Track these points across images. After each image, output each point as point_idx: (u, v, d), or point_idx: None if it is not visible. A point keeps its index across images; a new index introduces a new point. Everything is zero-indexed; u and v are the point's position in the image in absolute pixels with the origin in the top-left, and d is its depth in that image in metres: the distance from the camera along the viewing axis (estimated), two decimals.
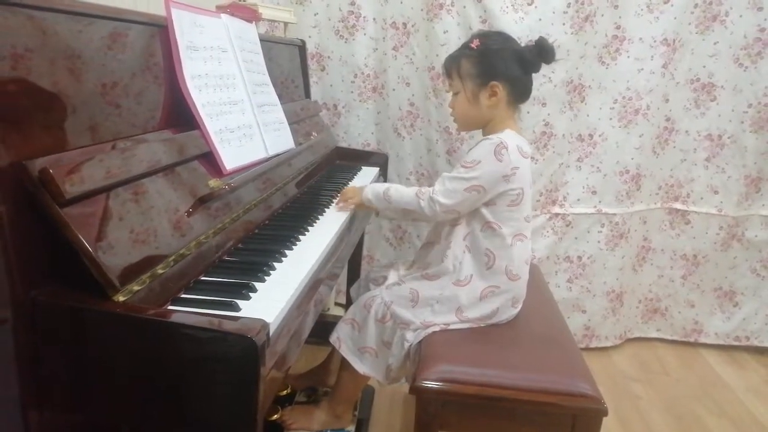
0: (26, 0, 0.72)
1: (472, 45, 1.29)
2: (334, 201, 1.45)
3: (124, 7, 0.95)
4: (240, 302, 0.84)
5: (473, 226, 1.29)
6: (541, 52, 1.27)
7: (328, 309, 2.16)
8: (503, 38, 1.31)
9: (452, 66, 1.32)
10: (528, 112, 1.98)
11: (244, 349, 0.69)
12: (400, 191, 1.32)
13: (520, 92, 1.31)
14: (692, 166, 2.15)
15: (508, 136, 1.25)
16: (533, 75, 1.32)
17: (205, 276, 0.94)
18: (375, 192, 1.36)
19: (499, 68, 1.27)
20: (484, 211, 1.27)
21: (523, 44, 1.34)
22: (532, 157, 2.02)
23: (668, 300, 2.31)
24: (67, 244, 0.70)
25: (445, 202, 1.25)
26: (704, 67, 2.03)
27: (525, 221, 1.29)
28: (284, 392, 1.57)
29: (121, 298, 0.74)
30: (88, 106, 0.84)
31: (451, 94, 1.36)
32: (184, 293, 0.87)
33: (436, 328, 1.26)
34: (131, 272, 0.76)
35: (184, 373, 0.72)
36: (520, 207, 1.27)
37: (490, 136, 1.26)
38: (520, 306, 1.33)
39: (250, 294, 0.88)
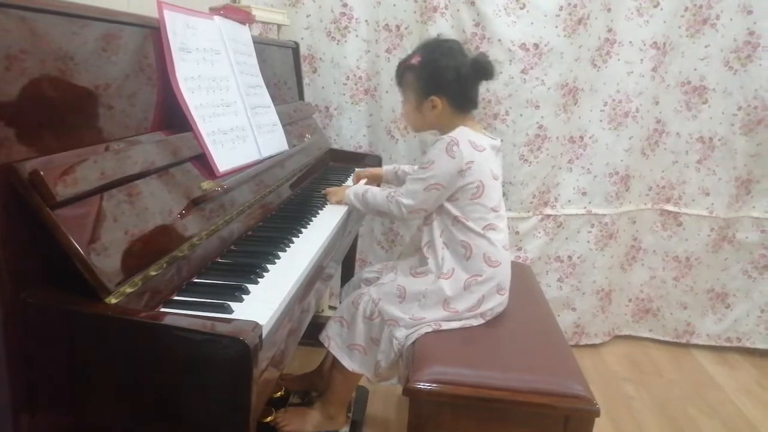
0: (18, 1, 0.72)
1: (412, 62, 1.34)
2: (328, 201, 1.49)
3: (117, 8, 0.95)
4: (233, 304, 0.84)
5: (445, 222, 1.32)
6: (479, 70, 1.31)
7: (322, 311, 2.16)
8: (444, 53, 1.32)
9: (398, 77, 1.40)
10: (521, 115, 1.99)
11: (236, 352, 0.69)
12: (375, 194, 1.39)
13: (462, 103, 1.34)
14: (684, 168, 2.17)
15: (460, 133, 1.28)
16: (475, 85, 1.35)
17: (198, 278, 0.94)
18: (355, 193, 1.43)
19: (437, 83, 1.31)
20: (449, 206, 1.31)
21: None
22: (525, 160, 2.05)
23: (660, 301, 2.32)
24: (58, 246, 0.70)
25: (408, 203, 1.31)
26: (695, 70, 2.05)
27: (493, 211, 1.31)
28: (278, 394, 1.57)
29: (113, 300, 0.73)
30: (81, 107, 0.83)
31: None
32: (177, 295, 0.87)
33: (428, 328, 1.27)
34: (123, 274, 0.76)
35: (177, 376, 0.71)
36: (482, 199, 1.29)
37: (442, 137, 1.30)
38: (506, 293, 1.35)
39: (243, 296, 0.88)
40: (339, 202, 1.47)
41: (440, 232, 1.33)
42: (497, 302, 1.33)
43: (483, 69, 1.31)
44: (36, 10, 0.75)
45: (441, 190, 1.28)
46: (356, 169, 1.76)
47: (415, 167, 1.57)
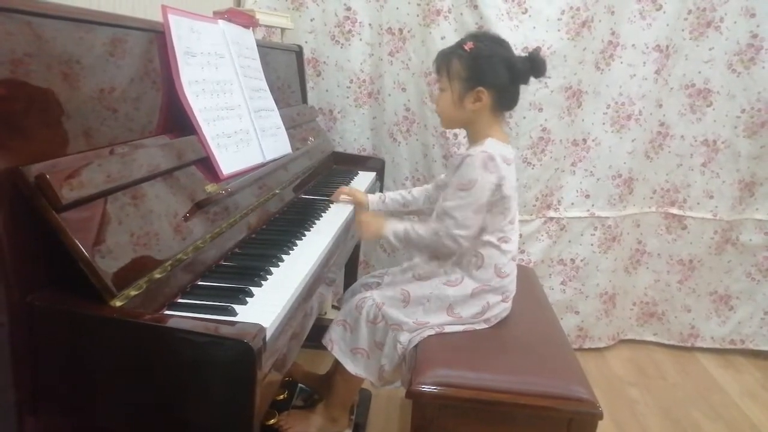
0: (24, 6, 0.72)
1: (465, 47, 1.27)
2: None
3: (122, 13, 0.95)
4: (237, 307, 0.84)
5: None
6: (534, 65, 1.26)
7: (325, 313, 2.16)
8: (497, 44, 1.29)
9: (443, 63, 1.30)
10: (524, 118, 1.99)
11: (240, 354, 0.69)
12: (419, 233, 1.29)
13: (505, 101, 1.30)
14: (689, 171, 2.17)
15: (491, 147, 1.24)
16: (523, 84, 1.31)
17: (202, 280, 0.94)
18: (395, 232, 1.33)
19: (488, 75, 1.25)
20: None
21: (518, 52, 1.34)
22: (529, 163, 2.05)
23: (665, 304, 2.32)
24: (64, 249, 0.71)
25: (465, 234, 1.24)
26: (699, 72, 2.05)
27: (510, 223, 1.30)
28: (281, 397, 1.57)
29: (118, 303, 0.74)
30: (86, 111, 0.84)
31: (438, 92, 1.35)
32: (181, 298, 0.87)
33: (431, 331, 1.27)
34: (128, 277, 0.77)
35: (181, 378, 0.72)
36: (504, 212, 1.28)
37: (472, 152, 1.24)
38: (510, 301, 1.34)
39: (247, 299, 0.88)
40: (372, 238, 1.37)
41: None
42: (501, 309, 1.33)
43: (539, 66, 1.26)
44: (41, 15, 0.76)
45: (485, 206, 1.24)
46: (341, 187, 1.61)
47: (429, 187, 1.53)
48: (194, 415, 0.73)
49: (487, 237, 1.27)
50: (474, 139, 1.32)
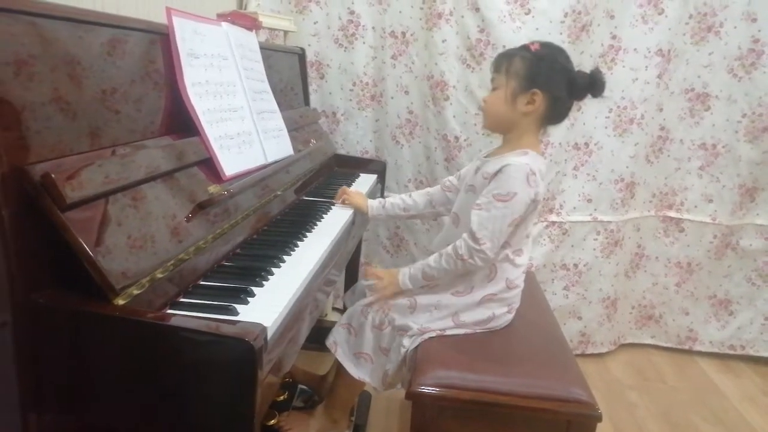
0: (29, 7, 0.73)
1: (531, 47, 1.24)
2: (332, 204, 1.43)
3: (125, 14, 0.96)
4: (238, 306, 0.85)
5: None
6: (593, 83, 1.23)
7: (326, 315, 2.17)
8: (562, 54, 1.27)
9: (503, 61, 1.27)
10: None
11: (242, 353, 0.70)
12: (437, 267, 1.26)
13: (556, 113, 1.27)
14: (686, 175, 2.17)
15: (534, 161, 1.22)
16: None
17: (204, 280, 0.95)
18: (413, 279, 1.30)
19: (547, 79, 1.22)
20: None
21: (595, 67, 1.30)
22: None
23: (662, 307, 2.32)
24: (67, 247, 0.71)
25: (491, 246, 1.20)
26: (699, 77, 2.06)
27: (526, 237, 1.30)
28: (281, 397, 1.58)
29: (121, 302, 0.75)
30: (91, 112, 0.85)
31: (491, 90, 1.31)
32: (183, 297, 0.88)
33: (432, 333, 1.27)
34: (131, 276, 0.77)
35: (183, 377, 0.73)
36: (525, 225, 1.27)
37: (516, 162, 1.21)
38: (514, 312, 1.34)
39: (249, 299, 0.89)
40: (389, 296, 1.31)
41: None
42: (504, 320, 1.33)
43: (599, 84, 1.23)
44: (45, 16, 0.76)
45: (517, 221, 1.22)
46: (343, 187, 1.59)
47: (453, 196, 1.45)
48: (195, 413, 0.74)
49: (505, 252, 1.27)
50: (512, 146, 1.28)
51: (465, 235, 1.22)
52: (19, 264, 0.69)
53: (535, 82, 1.22)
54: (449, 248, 1.24)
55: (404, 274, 1.30)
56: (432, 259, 1.27)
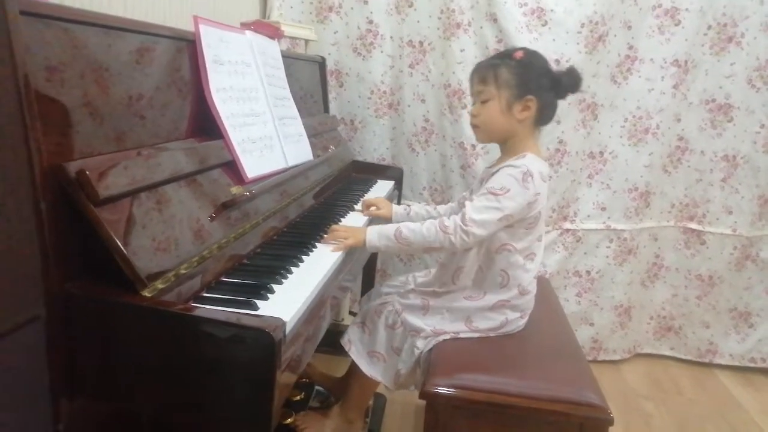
0: (63, 14, 0.77)
1: (515, 55, 1.27)
2: (351, 208, 1.43)
3: (153, 21, 1.01)
4: (258, 302, 0.88)
5: (487, 247, 1.30)
6: (575, 81, 1.27)
7: (342, 319, 2.19)
8: (542, 57, 1.30)
9: (489, 72, 1.28)
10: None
11: (262, 344, 0.73)
12: (416, 230, 1.24)
13: (547, 114, 1.30)
14: (708, 187, 2.17)
15: (532, 163, 1.24)
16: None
17: (225, 277, 0.99)
18: (384, 234, 1.25)
19: (537, 85, 1.25)
20: (502, 234, 1.27)
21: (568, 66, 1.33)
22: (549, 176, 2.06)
23: (682, 319, 2.30)
24: (99, 241, 0.75)
25: (479, 233, 1.22)
26: (720, 87, 2.06)
27: (537, 241, 1.32)
28: (298, 397, 1.60)
29: (147, 295, 0.78)
30: (122, 115, 0.89)
31: (477, 103, 1.31)
32: (206, 292, 0.91)
33: (446, 336, 1.29)
34: (157, 270, 0.81)
35: (206, 365, 0.76)
36: (535, 229, 1.29)
37: (514, 163, 1.24)
38: (527, 317, 1.36)
39: (268, 295, 0.92)
40: (348, 248, 1.22)
41: (479, 257, 1.32)
42: (517, 325, 1.34)
43: (576, 81, 1.27)
44: (78, 22, 0.80)
45: (509, 221, 1.24)
46: (365, 198, 1.58)
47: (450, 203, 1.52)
48: (215, 402, 0.77)
49: (515, 255, 1.28)
50: (511, 153, 1.30)
51: (455, 216, 1.24)
52: (56, 255, 0.73)
53: (528, 89, 1.25)
54: (436, 220, 1.25)
55: (373, 228, 1.27)
56: (411, 223, 1.27)
